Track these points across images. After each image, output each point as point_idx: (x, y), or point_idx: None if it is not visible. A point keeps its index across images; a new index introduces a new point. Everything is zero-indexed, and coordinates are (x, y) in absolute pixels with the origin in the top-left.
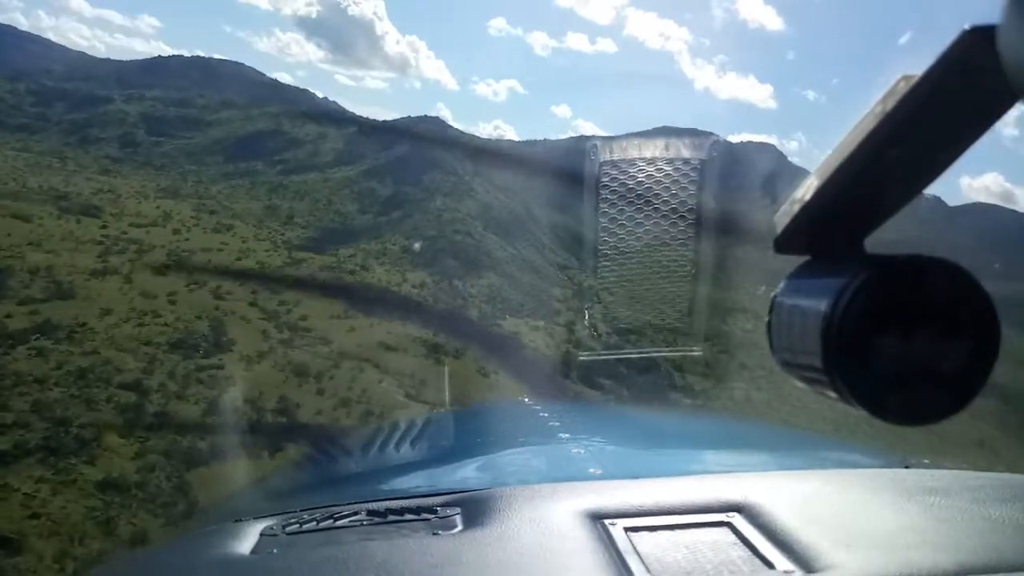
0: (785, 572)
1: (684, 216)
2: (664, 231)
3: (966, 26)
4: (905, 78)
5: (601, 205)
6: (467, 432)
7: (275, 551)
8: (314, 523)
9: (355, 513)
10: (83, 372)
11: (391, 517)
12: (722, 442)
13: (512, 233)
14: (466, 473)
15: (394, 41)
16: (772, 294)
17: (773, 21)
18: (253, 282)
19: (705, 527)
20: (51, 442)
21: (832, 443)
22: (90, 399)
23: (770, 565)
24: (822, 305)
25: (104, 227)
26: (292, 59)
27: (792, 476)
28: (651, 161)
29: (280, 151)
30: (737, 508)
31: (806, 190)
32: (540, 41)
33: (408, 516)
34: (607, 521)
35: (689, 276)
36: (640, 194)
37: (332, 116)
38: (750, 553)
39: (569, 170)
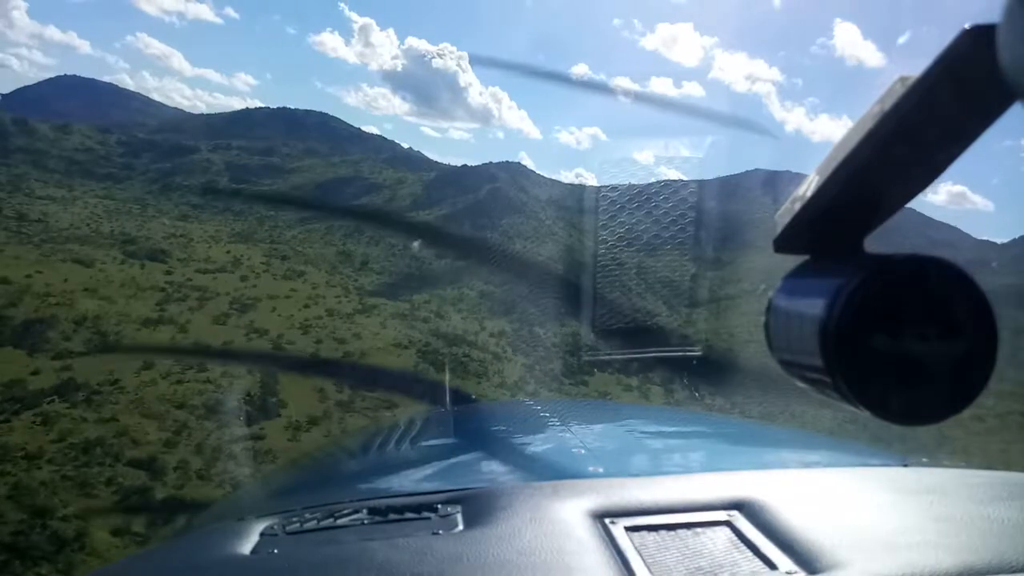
0: (787, 572)
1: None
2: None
3: (966, 25)
4: (902, 78)
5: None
6: (467, 431)
7: (275, 551)
8: (315, 522)
9: (356, 512)
10: (88, 445)
11: (392, 516)
12: (723, 440)
13: (596, 277)
14: (467, 471)
15: (477, 92)
16: (770, 293)
17: (873, 57)
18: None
19: (706, 526)
20: (21, 540)
21: (832, 441)
22: (86, 481)
23: (771, 564)
24: (821, 305)
25: (169, 272)
26: (379, 112)
27: (792, 474)
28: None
29: (358, 196)
30: (738, 506)
31: (806, 189)
32: (624, 86)
33: (409, 515)
34: (608, 520)
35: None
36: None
37: (412, 162)
38: (751, 552)
39: (655, 215)
